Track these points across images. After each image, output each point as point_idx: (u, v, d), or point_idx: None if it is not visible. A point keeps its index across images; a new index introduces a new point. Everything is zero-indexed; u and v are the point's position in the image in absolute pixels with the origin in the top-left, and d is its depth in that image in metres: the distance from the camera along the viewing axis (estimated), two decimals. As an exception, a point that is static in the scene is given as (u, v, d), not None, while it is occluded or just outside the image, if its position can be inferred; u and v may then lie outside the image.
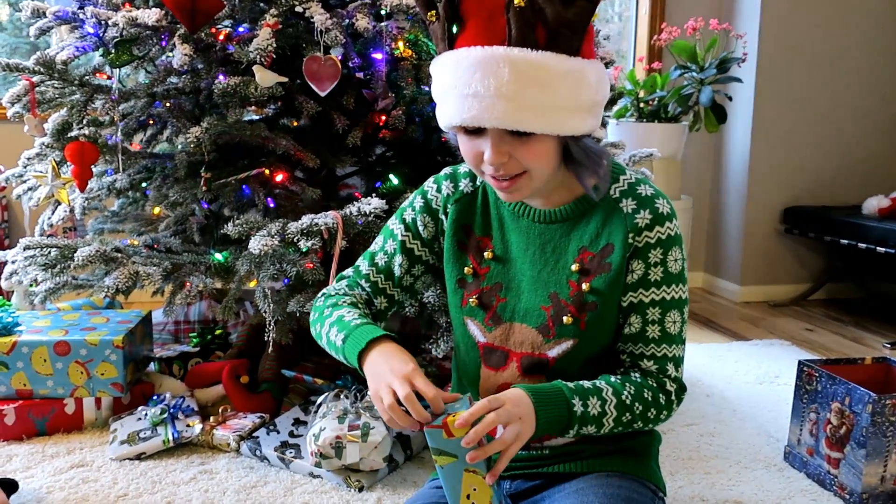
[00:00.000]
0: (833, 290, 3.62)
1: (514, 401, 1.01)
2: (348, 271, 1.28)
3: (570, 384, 1.08)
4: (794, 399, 1.79)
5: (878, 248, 2.94)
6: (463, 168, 1.24)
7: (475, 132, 1.04)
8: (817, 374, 1.72)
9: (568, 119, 1.01)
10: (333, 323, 1.15)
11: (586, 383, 1.09)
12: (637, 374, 1.13)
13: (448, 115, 1.03)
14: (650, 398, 1.11)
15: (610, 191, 1.13)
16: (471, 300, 1.18)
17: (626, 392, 1.09)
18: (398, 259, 1.24)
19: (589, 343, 1.13)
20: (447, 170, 1.25)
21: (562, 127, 1.01)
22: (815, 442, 1.72)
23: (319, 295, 1.25)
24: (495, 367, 1.17)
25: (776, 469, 1.79)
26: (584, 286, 1.11)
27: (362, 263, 1.27)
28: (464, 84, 0.99)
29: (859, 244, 3.04)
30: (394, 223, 1.26)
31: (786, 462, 1.82)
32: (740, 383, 2.38)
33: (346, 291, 1.23)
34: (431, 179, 1.25)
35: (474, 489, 0.98)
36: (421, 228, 1.24)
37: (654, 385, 1.12)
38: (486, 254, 1.19)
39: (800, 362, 1.78)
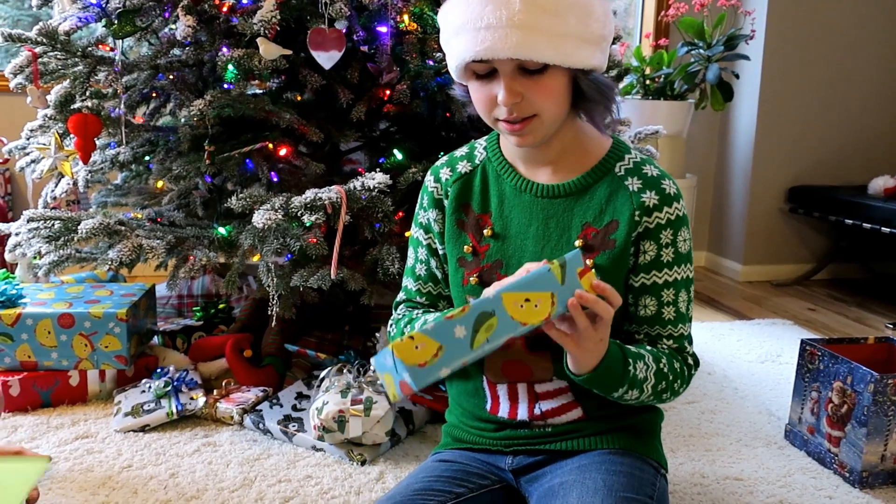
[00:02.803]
0: (836, 270, 3.62)
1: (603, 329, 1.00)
2: (400, 296, 1.31)
3: (624, 347, 1.08)
4: (796, 378, 1.79)
5: (883, 229, 2.93)
6: (458, 152, 1.25)
7: (487, 76, 1.04)
8: (819, 353, 1.72)
9: (578, 50, 1.02)
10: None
11: (632, 347, 1.10)
12: (662, 347, 1.15)
13: (461, 52, 1.03)
14: (679, 369, 1.13)
15: (615, 168, 1.14)
16: (471, 279, 1.18)
17: (663, 360, 1.11)
18: (433, 262, 1.26)
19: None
20: (443, 158, 1.27)
21: (573, 58, 1.01)
22: (816, 420, 1.73)
23: (389, 328, 1.28)
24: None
25: (777, 447, 1.80)
26: (588, 262, 1.11)
27: (407, 281, 1.30)
28: (476, 18, 1.00)
29: (864, 224, 3.02)
30: (414, 230, 1.28)
31: (786, 440, 1.83)
32: (742, 362, 2.39)
33: (408, 313, 1.26)
34: (429, 172, 1.26)
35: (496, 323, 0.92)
36: (434, 225, 1.24)
37: (680, 358, 1.15)
38: (485, 231, 1.19)
39: (802, 341, 1.78)
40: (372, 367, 0.96)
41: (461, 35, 1.02)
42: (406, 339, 0.88)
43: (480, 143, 1.24)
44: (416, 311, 1.24)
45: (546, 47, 0.99)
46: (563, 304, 0.95)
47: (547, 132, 1.08)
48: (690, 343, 1.18)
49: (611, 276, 1.12)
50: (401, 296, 1.31)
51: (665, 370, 1.11)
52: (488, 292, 0.92)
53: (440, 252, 1.25)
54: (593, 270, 0.96)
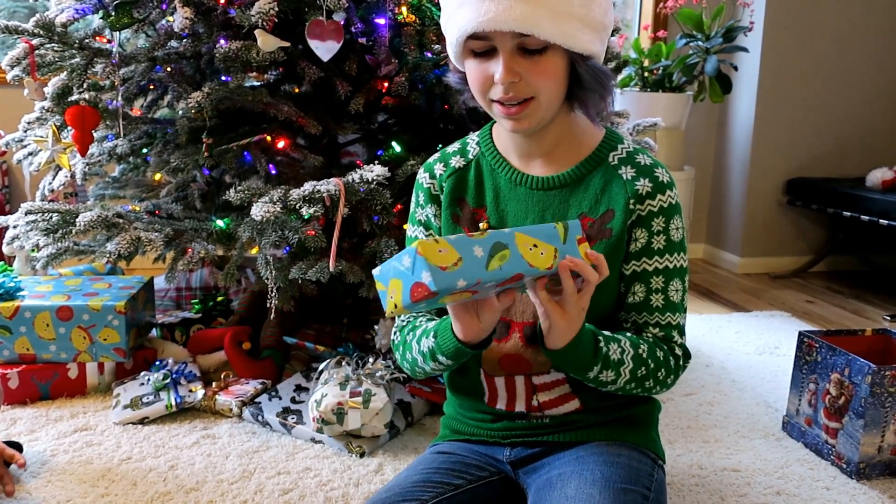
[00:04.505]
0: (834, 262, 3.62)
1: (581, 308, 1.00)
2: None
3: (595, 330, 1.08)
4: (794, 369, 1.80)
5: (881, 221, 2.93)
6: (451, 148, 1.24)
7: (485, 55, 1.04)
8: (817, 345, 1.72)
9: (579, 32, 1.02)
10: (419, 338, 1.15)
11: (606, 332, 1.09)
12: (647, 336, 1.14)
13: (463, 23, 1.02)
14: (661, 357, 1.12)
15: (608, 158, 1.14)
16: None
17: (642, 346, 1.10)
18: None
19: (591, 310, 1.13)
20: (435, 155, 1.25)
21: (574, 39, 1.01)
22: (814, 412, 1.73)
23: (393, 333, 1.25)
24: (498, 337, 1.17)
25: (774, 438, 1.80)
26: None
27: None
28: None
29: (862, 216, 3.03)
30: (412, 229, 1.26)
31: (784, 432, 1.83)
32: (740, 354, 2.39)
33: (412, 320, 1.22)
34: (422, 169, 1.25)
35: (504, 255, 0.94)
36: (434, 220, 1.23)
37: (666, 348, 1.14)
38: (480, 225, 1.18)
39: (800, 333, 1.79)
40: (376, 273, 0.95)
41: (464, 7, 1.01)
42: (431, 241, 0.88)
43: (473, 137, 1.24)
44: (419, 319, 1.21)
45: (549, 24, 0.99)
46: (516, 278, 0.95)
47: (542, 118, 1.08)
48: (681, 334, 1.16)
49: (608, 266, 1.12)
50: None
51: (644, 356, 1.10)
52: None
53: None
54: (587, 242, 0.98)
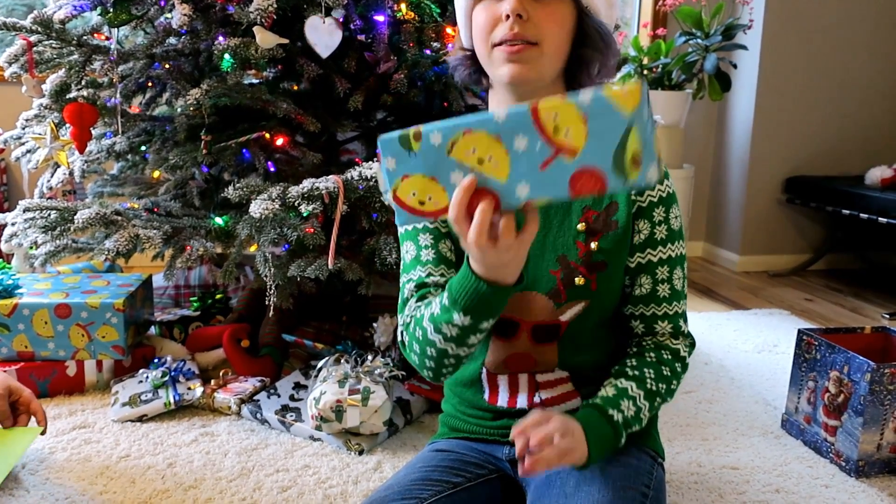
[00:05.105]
0: (833, 260, 3.63)
1: (567, 427, 1.01)
2: (407, 290, 1.15)
3: (597, 399, 1.08)
4: (793, 367, 1.80)
5: (880, 219, 2.93)
6: None
7: None
8: (816, 343, 1.72)
9: None
10: (430, 320, 1.03)
11: (609, 390, 1.09)
12: (651, 347, 1.14)
13: None
14: (669, 374, 1.13)
15: None
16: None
17: (648, 380, 1.11)
18: (442, 246, 1.16)
19: (600, 304, 1.14)
20: None
21: None
22: (813, 410, 1.73)
23: (400, 331, 1.15)
24: (507, 337, 1.17)
25: (773, 436, 1.80)
26: (592, 245, 1.12)
27: (412, 274, 1.15)
28: None
29: (861, 214, 3.03)
30: (409, 237, 1.19)
31: (783, 430, 1.83)
32: (739, 352, 2.39)
33: (417, 317, 1.11)
34: None
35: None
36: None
37: (670, 357, 1.14)
38: None
39: (799, 331, 1.79)
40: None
41: None
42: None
43: None
44: (420, 310, 1.10)
45: None
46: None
47: (542, 70, 1.05)
48: (685, 321, 1.18)
49: (616, 259, 1.12)
50: (408, 290, 1.15)
51: (654, 388, 1.11)
52: None
53: (450, 233, 1.17)
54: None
